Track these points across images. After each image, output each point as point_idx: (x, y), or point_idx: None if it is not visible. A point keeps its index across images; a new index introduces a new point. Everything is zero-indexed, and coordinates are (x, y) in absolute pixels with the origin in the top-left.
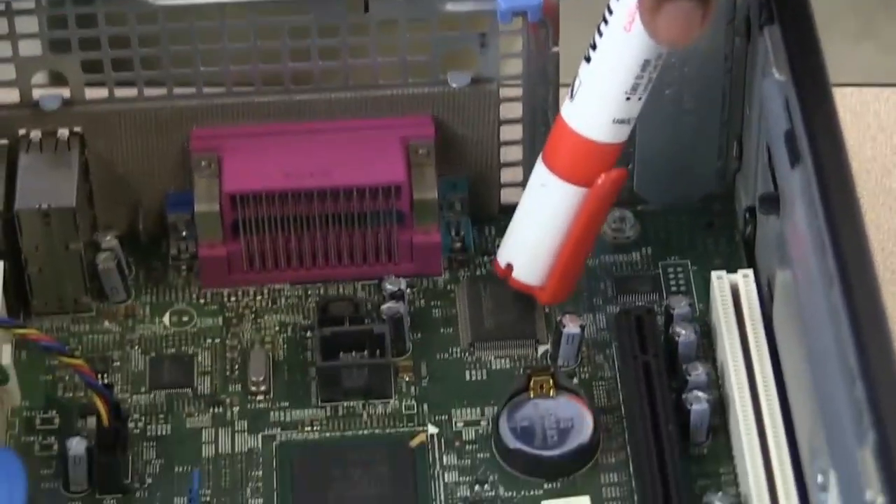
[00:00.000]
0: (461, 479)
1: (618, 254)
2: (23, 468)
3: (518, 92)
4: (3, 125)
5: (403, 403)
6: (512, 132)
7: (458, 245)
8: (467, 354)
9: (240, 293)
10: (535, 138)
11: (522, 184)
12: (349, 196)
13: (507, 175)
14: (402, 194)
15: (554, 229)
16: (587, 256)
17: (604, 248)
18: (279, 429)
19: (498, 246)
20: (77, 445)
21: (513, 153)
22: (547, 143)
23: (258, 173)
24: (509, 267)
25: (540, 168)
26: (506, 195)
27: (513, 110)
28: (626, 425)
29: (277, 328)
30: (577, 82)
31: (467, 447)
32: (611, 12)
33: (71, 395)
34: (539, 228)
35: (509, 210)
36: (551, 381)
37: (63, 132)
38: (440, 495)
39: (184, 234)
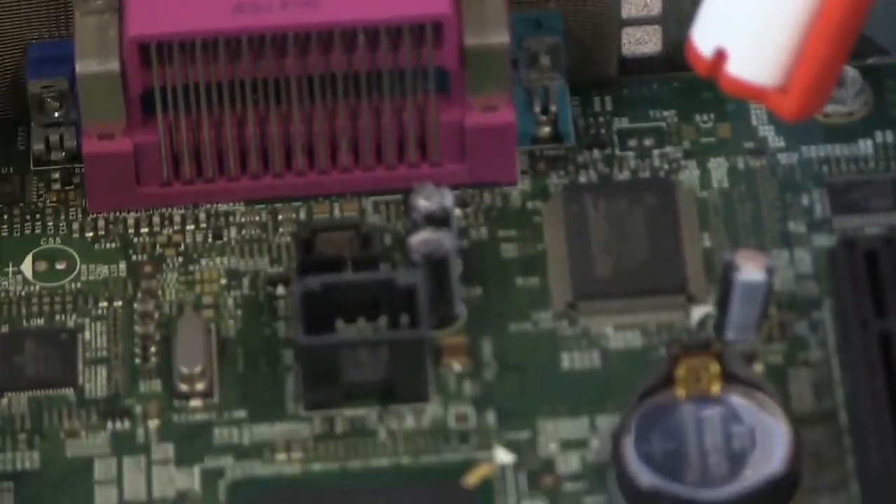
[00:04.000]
0: None
1: (833, 143)
2: None
3: None
4: None
5: (451, 411)
6: None
7: (548, 131)
8: (565, 323)
9: (156, 220)
10: None
11: (661, 19)
12: (350, 42)
13: (633, 4)
14: (444, 38)
15: None
16: (846, 55)
17: (809, 134)
18: (231, 457)
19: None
20: None
21: None
22: None
23: (187, 4)
24: (720, 55)
25: None
26: (632, 40)
27: None
28: (853, 445)
29: (224, 280)
30: None
31: (566, 486)
32: None
33: None
34: None
35: (636, 68)
36: (715, 368)
37: None
38: None
39: (56, 115)
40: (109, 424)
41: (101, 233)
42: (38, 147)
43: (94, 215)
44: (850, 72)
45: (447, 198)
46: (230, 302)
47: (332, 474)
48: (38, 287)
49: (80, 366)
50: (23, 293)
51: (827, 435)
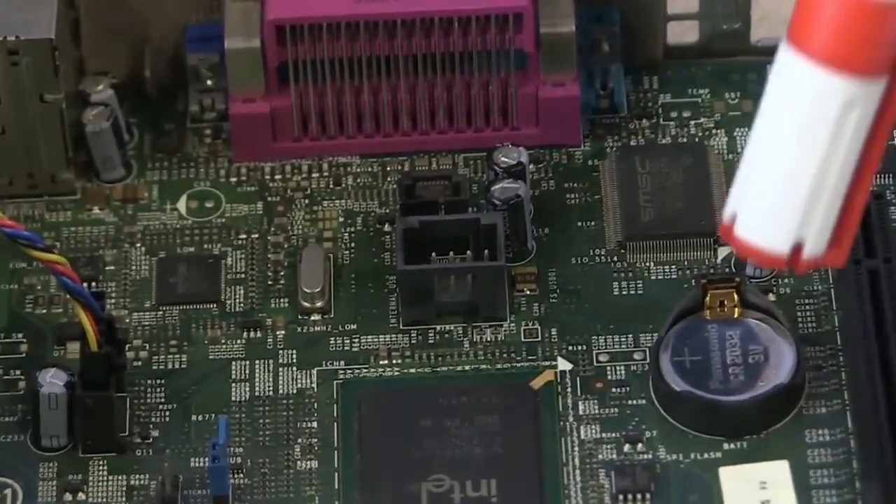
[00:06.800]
0: (604, 435)
1: None
2: None
3: None
4: None
5: (522, 328)
6: None
7: (606, 103)
8: (616, 258)
9: (287, 169)
10: None
11: (698, 16)
12: (447, 28)
13: (676, 2)
14: (523, 26)
15: (832, 160)
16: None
17: None
18: (342, 362)
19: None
20: (53, 380)
21: None
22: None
23: None
24: (798, 247)
25: (786, 52)
26: (674, 32)
27: None
28: (844, 360)
29: (342, 219)
30: None
31: (614, 391)
32: None
33: (45, 311)
34: (793, 159)
35: (677, 54)
36: (736, 297)
37: None
38: (573, 458)
39: (209, 83)
40: (245, 333)
41: (244, 178)
42: (193, 108)
43: (238, 164)
44: None
45: (523, 155)
46: (346, 236)
47: (425, 377)
48: (190, 221)
49: (223, 285)
50: (178, 226)
51: (825, 352)
